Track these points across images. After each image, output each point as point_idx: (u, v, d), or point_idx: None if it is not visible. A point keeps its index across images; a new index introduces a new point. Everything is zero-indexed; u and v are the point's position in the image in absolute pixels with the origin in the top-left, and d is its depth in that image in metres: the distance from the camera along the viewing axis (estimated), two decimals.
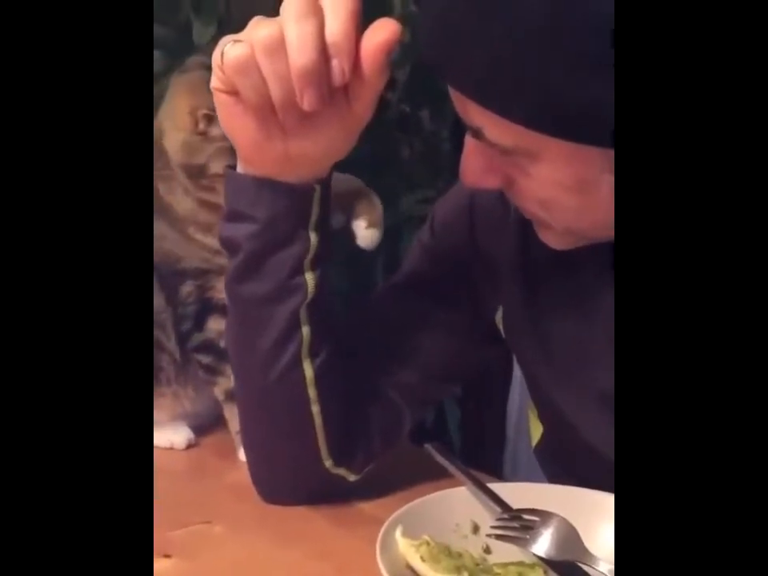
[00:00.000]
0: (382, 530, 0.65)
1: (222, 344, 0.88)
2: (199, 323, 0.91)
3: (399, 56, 1.36)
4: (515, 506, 0.70)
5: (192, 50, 1.22)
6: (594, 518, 0.69)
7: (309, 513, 0.80)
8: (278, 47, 0.64)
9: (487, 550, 0.70)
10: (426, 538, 0.66)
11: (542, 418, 0.89)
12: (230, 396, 0.89)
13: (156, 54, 1.19)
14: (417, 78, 1.46)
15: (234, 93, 0.67)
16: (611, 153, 0.61)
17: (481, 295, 0.85)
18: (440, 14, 0.64)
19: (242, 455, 0.86)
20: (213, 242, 0.85)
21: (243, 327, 0.77)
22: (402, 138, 1.53)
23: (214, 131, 0.84)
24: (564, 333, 0.79)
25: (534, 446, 0.97)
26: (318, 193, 0.73)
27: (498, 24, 0.60)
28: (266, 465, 0.81)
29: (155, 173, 0.88)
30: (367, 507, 0.81)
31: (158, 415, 0.92)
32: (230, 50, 0.65)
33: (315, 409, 0.77)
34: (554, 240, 0.73)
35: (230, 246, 0.75)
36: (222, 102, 0.69)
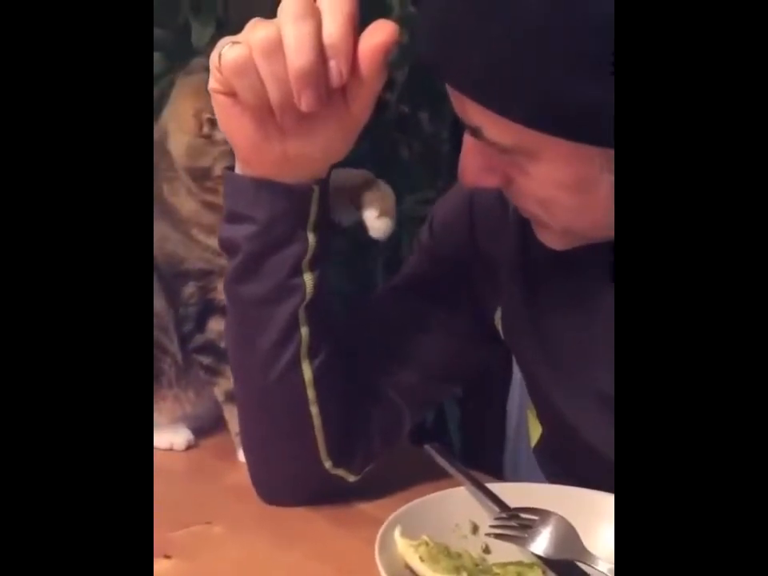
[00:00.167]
0: (381, 530, 0.65)
1: (223, 345, 0.88)
2: (200, 324, 0.91)
3: (398, 57, 1.36)
4: (514, 506, 0.70)
5: (191, 52, 1.23)
6: (593, 517, 0.69)
7: (308, 513, 0.80)
8: (276, 49, 0.64)
9: (486, 550, 0.70)
10: (425, 538, 0.66)
11: (542, 419, 0.89)
12: (230, 397, 0.89)
13: (155, 55, 1.20)
14: (416, 79, 1.47)
15: (231, 94, 0.67)
16: (610, 152, 0.62)
17: (480, 295, 0.85)
18: (439, 15, 0.64)
19: (241, 456, 0.86)
20: (216, 243, 0.85)
21: (242, 328, 0.77)
22: (401, 139, 1.53)
23: (219, 134, 0.83)
24: (563, 333, 0.79)
25: (534, 446, 0.97)
26: (316, 193, 0.73)
27: (496, 24, 0.60)
28: (265, 465, 0.81)
29: (159, 174, 0.88)
30: (367, 508, 0.81)
31: (158, 418, 0.92)
32: (227, 52, 0.65)
33: (314, 409, 0.77)
34: (552, 240, 0.73)
35: (229, 246, 0.75)
36: (220, 103, 0.69)
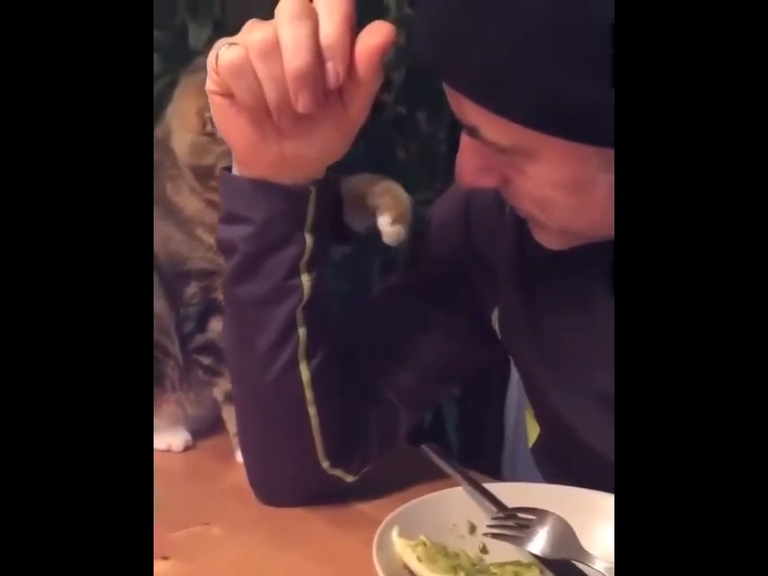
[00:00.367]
0: (379, 530, 0.65)
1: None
2: (201, 324, 0.91)
3: (395, 58, 1.37)
4: (512, 506, 0.70)
5: (188, 53, 1.22)
6: (590, 517, 0.69)
7: (306, 514, 0.80)
8: (273, 50, 0.64)
9: (484, 550, 0.70)
10: (423, 538, 0.66)
11: (539, 419, 0.89)
12: (230, 397, 0.89)
13: None
14: (413, 80, 1.47)
15: (228, 95, 0.68)
16: (607, 152, 0.61)
17: (478, 295, 0.85)
18: (436, 16, 0.64)
19: (239, 457, 0.86)
20: None
21: (240, 329, 0.77)
22: (399, 140, 1.53)
23: None
24: (561, 333, 0.79)
25: (531, 446, 0.97)
26: (313, 194, 0.73)
27: (495, 25, 0.60)
28: (263, 466, 0.81)
29: (163, 173, 0.88)
30: (364, 508, 0.81)
31: (159, 420, 0.92)
32: (224, 53, 0.65)
33: (312, 410, 0.77)
34: (549, 240, 0.73)
35: (226, 247, 0.75)
36: (217, 104, 0.69)
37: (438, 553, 0.65)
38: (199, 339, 0.92)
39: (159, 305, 0.90)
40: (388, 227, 0.82)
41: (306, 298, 0.75)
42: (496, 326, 0.84)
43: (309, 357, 0.76)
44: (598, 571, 0.65)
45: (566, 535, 0.67)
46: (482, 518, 0.71)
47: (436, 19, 0.64)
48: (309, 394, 0.76)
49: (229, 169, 0.75)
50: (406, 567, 0.65)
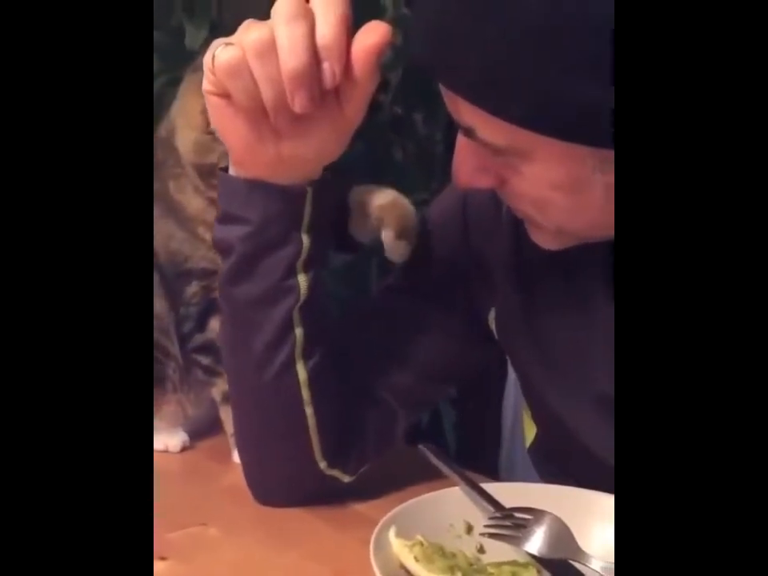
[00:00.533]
0: (376, 530, 0.65)
1: None
2: (201, 324, 0.91)
3: (392, 58, 1.37)
4: (509, 505, 0.70)
5: (184, 54, 1.22)
6: (587, 517, 0.69)
7: (303, 514, 0.80)
8: (269, 50, 0.64)
9: (481, 550, 0.70)
10: (420, 538, 0.66)
11: (536, 419, 0.89)
12: (227, 398, 0.89)
13: None
14: (410, 81, 1.47)
15: (225, 95, 0.68)
16: (603, 152, 0.62)
17: (475, 296, 0.85)
18: (433, 16, 0.64)
19: (236, 457, 0.86)
20: None
21: (236, 329, 0.77)
22: (395, 141, 1.53)
23: None
24: (558, 333, 0.79)
25: (528, 446, 0.97)
26: (310, 195, 0.73)
27: (491, 25, 0.60)
28: (260, 466, 0.81)
29: (166, 171, 0.88)
30: (362, 508, 0.81)
31: (159, 422, 0.92)
32: (221, 53, 0.65)
33: (309, 410, 0.77)
34: (545, 240, 0.73)
35: (223, 247, 0.75)
36: (213, 104, 0.69)
37: (435, 553, 0.66)
38: (198, 339, 0.91)
39: (159, 305, 0.90)
40: (392, 242, 0.81)
41: (302, 298, 0.75)
42: (493, 326, 0.84)
43: (306, 357, 0.76)
44: (595, 571, 0.65)
45: (563, 535, 0.67)
46: (479, 517, 0.71)
47: (432, 19, 0.64)
48: (306, 394, 0.77)
49: (226, 169, 0.75)
50: (403, 567, 0.65)
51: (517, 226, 0.78)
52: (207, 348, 0.91)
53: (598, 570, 0.65)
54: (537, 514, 0.68)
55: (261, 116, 0.68)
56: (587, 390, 0.77)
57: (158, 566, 0.71)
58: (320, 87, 0.65)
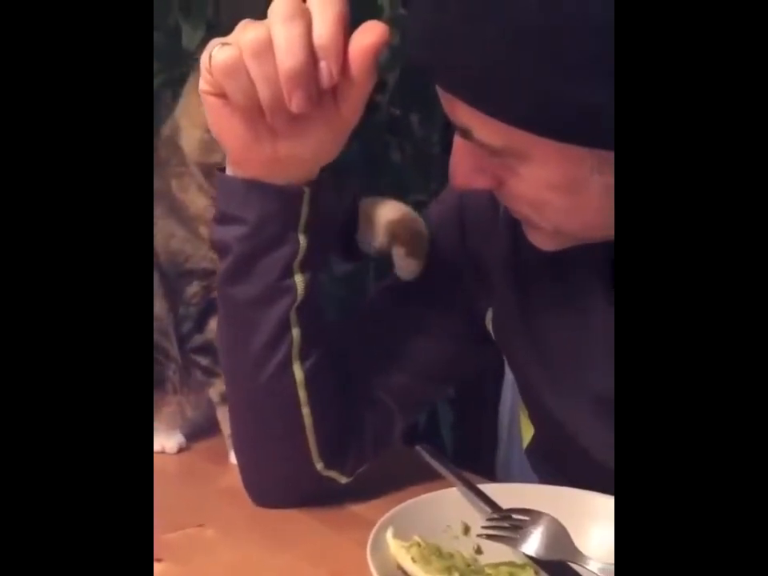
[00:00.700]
0: (373, 531, 0.65)
1: None
2: (200, 324, 0.91)
3: (389, 59, 1.37)
4: (506, 506, 0.70)
5: (181, 54, 1.22)
6: (584, 518, 0.69)
7: (300, 515, 0.80)
8: (266, 50, 0.64)
9: (478, 551, 0.70)
10: (417, 539, 0.66)
11: (533, 419, 0.89)
12: (225, 398, 0.89)
13: None
14: (407, 81, 1.47)
15: (222, 95, 0.67)
16: (600, 153, 0.62)
17: (472, 297, 0.85)
18: (430, 17, 0.64)
19: (233, 458, 0.86)
20: None
21: (233, 329, 0.77)
22: (392, 141, 1.53)
23: None
24: (555, 334, 0.79)
25: (525, 446, 0.97)
26: (307, 195, 0.73)
27: (489, 26, 0.60)
28: (256, 467, 0.81)
29: (169, 170, 0.88)
30: (359, 509, 0.81)
31: (158, 423, 0.91)
32: (217, 53, 0.65)
33: (306, 411, 0.77)
34: (543, 241, 0.73)
35: (220, 248, 0.75)
36: (210, 104, 0.69)
37: (433, 554, 0.65)
38: (198, 339, 0.91)
39: (159, 305, 0.90)
40: (403, 259, 0.81)
41: (299, 298, 0.75)
42: (490, 326, 0.84)
43: (302, 357, 0.76)
44: (592, 572, 0.65)
45: (560, 536, 0.67)
46: (477, 518, 0.71)
47: (429, 20, 0.64)
48: (302, 394, 0.76)
49: (223, 169, 0.75)
50: (401, 568, 0.64)
51: (514, 227, 0.78)
52: (206, 348, 0.91)
53: (595, 571, 0.64)
54: (534, 515, 0.68)
55: (258, 116, 0.68)
56: (584, 391, 0.77)
57: (155, 568, 0.71)
58: (317, 87, 0.65)
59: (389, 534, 0.66)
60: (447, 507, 0.71)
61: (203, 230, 0.88)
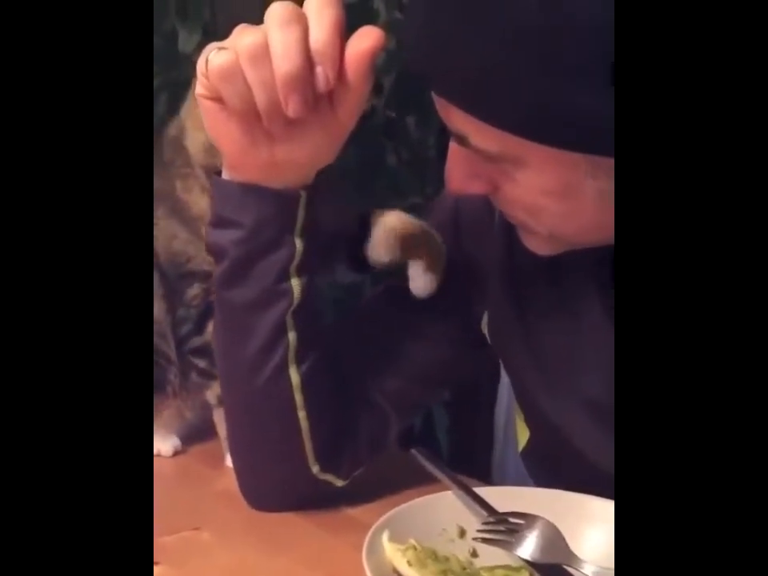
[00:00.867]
0: (369, 534, 0.65)
1: None
2: (200, 326, 0.90)
3: (385, 63, 1.37)
4: (502, 509, 0.70)
5: (178, 58, 1.22)
6: (579, 521, 0.69)
7: (296, 519, 0.80)
8: (263, 54, 0.64)
9: (474, 554, 0.70)
10: (413, 542, 0.66)
11: (529, 423, 0.89)
12: (222, 401, 0.89)
13: None
14: (403, 85, 1.47)
15: (218, 99, 0.68)
16: (595, 158, 0.62)
17: (468, 301, 0.85)
18: (426, 22, 0.64)
19: (229, 462, 0.86)
20: None
21: (229, 332, 0.77)
22: (389, 145, 1.53)
23: None
24: (550, 338, 0.80)
25: (521, 450, 0.97)
26: (303, 199, 0.73)
27: (488, 26, 0.60)
28: (252, 471, 0.81)
29: (173, 171, 0.88)
30: (354, 512, 0.81)
31: (158, 427, 0.91)
32: (214, 58, 0.65)
33: (302, 414, 0.77)
34: (538, 245, 0.74)
35: (216, 251, 0.75)
36: (207, 108, 0.69)
37: (428, 557, 0.66)
38: (196, 341, 0.91)
39: (157, 307, 0.90)
40: (420, 275, 0.80)
41: (295, 302, 0.75)
42: (486, 330, 0.85)
43: (298, 361, 0.76)
44: (587, 575, 0.65)
45: (555, 539, 0.67)
46: (472, 522, 0.71)
47: (425, 24, 0.64)
48: (298, 398, 0.76)
49: (220, 173, 0.75)
50: (396, 571, 0.65)
51: (509, 232, 0.78)
52: (204, 350, 0.91)
53: (591, 574, 0.65)
54: (529, 518, 0.68)
55: (254, 120, 0.68)
56: (579, 394, 0.77)
57: None
58: (313, 92, 0.65)
59: (384, 537, 0.66)
60: (443, 510, 0.71)
61: (204, 231, 0.88)
